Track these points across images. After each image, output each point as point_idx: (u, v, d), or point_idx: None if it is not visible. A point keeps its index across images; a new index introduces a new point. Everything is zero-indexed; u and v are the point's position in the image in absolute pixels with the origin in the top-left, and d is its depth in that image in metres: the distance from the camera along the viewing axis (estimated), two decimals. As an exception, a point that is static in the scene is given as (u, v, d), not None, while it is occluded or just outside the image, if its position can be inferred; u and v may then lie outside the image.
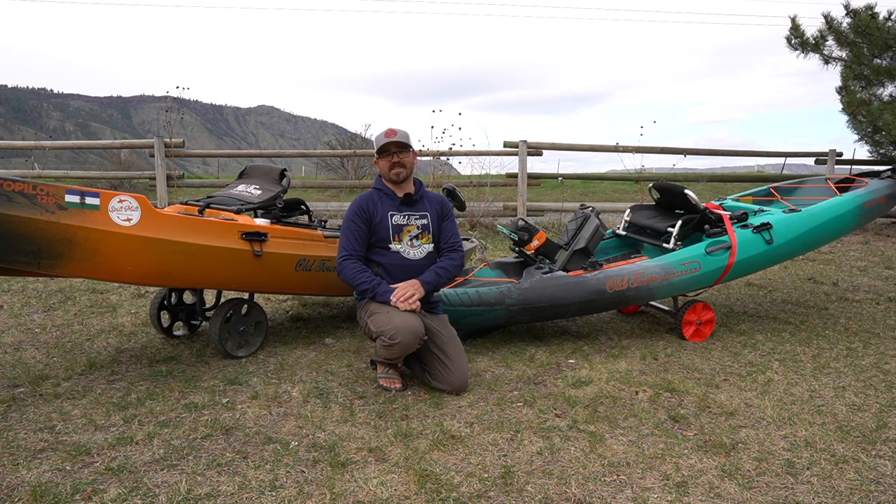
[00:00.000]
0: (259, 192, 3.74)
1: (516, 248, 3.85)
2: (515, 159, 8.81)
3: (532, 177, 8.91)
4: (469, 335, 3.79)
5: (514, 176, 8.86)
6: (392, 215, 3.14)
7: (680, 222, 3.97)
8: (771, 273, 5.81)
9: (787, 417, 2.74)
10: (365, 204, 3.14)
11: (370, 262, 3.16)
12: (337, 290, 3.91)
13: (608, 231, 4.33)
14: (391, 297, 2.98)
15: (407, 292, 2.98)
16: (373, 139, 3.25)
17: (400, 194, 3.18)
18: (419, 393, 2.99)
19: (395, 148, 3.14)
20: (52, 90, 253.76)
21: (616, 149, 9.29)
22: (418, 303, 3.00)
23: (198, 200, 3.63)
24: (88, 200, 2.75)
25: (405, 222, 3.16)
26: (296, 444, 2.46)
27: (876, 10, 8.32)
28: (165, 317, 3.93)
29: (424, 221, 3.20)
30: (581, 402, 2.88)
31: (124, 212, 2.86)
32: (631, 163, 9.52)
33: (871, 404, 2.91)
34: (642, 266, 3.70)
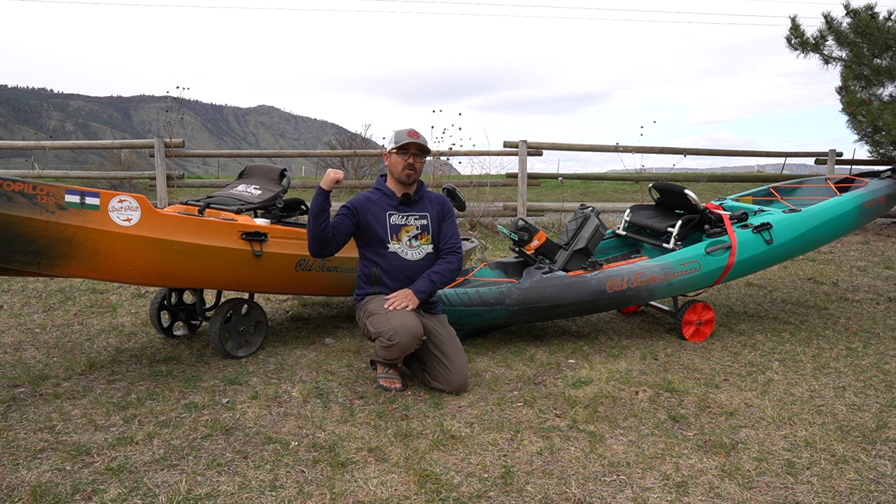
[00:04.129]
0: (259, 192, 3.74)
1: (516, 248, 3.85)
2: (515, 159, 8.81)
3: (532, 177, 8.91)
4: (469, 335, 3.79)
5: (514, 176, 8.87)
6: (390, 215, 3.13)
7: (680, 222, 3.97)
8: (771, 273, 5.81)
9: (787, 417, 2.74)
10: (359, 203, 3.15)
11: (367, 262, 3.15)
12: (337, 290, 3.91)
13: (608, 231, 4.33)
14: (385, 304, 2.97)
15: (401, 304, 2.97)
16: (383, 136, 3.26)
17: (399, 194, 3.18)
18: (419, 393, 2.99)
19: (415, 150, 3.12)
20: (52, 90, 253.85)
21: (616, 149, 9.29)
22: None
23: (198, 200, 3.63)
24: (88, 200, 2.75)
25: (403, 222, 3.15)
26: (296, 444, 2.46)
27: (876, 10, 8.31)
28: (165, 317, 3.93)
29: (424, 222, 3.19)
30: (581, 402, 2.88)
31: (124, 212, 2.86)
32: (631, 163, 9.53)
33: (871, 404, 2.91)
34: (642, 266, 3.70)
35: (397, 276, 3.10)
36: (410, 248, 3.14)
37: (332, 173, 3.06)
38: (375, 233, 3.11)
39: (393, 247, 3.12)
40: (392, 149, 3.15)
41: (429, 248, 3.19)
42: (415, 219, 3.17)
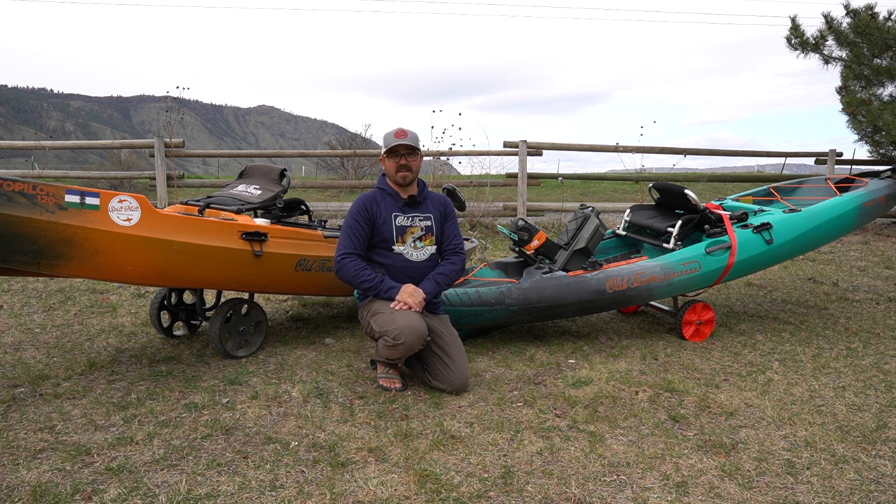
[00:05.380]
0: (259, 192, 3.74)
1: (516, 248, 3.85)
2: (515, 159, 8.81)
3: (532, 177, 8.91)
4: (469, 335, 3.79)
5: (514, 176, 8.87)
6: (396, 216, 3.13)
7: (680, 222, 3.97)
8: (771, 273, 5.81)
9: (787, 417, 2.74)
10: (368, 203, 3.12)
11: (372, 263, 3.14)
12: (337, 290, 3.91)
13: (608, 231, 4.33)
14: (391, 305, 2.97)
15: (407, 305, 2.97)
16: (381, 136, 3.24)
17: (404, 195, 3.16)
18: (419, 393, 2.99)
19: (405, 150, 3.11)
20: (52, 90, 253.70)
21: (616, 149, 9.29)
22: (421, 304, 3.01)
23: (198, 200, 3.63)
24: (88, 200, 2.75)
25: (409, 224, 3.15)
26: (296, 444, 2.46)
27: (876, 10, 8.31)
28: (165, 317, 3.93)
29: (428, 223, 3.19)
30: (581, 402, 2.88)
31: (124, 212, 2.86)
32: (631, 163, 9.53)
33: (871, 404, 2.91)
34: (642, 266, 3.70)
35: (402, 278, 3.10)
36: (415, 249, 3.14)
37: (413, 304, 2.96)
38: (382, 234, 3.10)
39: (398, 248, 3.11)
40: (383, 154, 3.15)
41: (432, 249, 3.19)
42: (419, 220, 3.17)
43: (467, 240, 4.97)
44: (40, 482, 2.15)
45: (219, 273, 3.26)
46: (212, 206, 3.58)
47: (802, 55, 9.10)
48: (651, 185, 4.43)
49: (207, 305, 3.84)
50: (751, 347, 3.73)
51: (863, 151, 10.07)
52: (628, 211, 4.51)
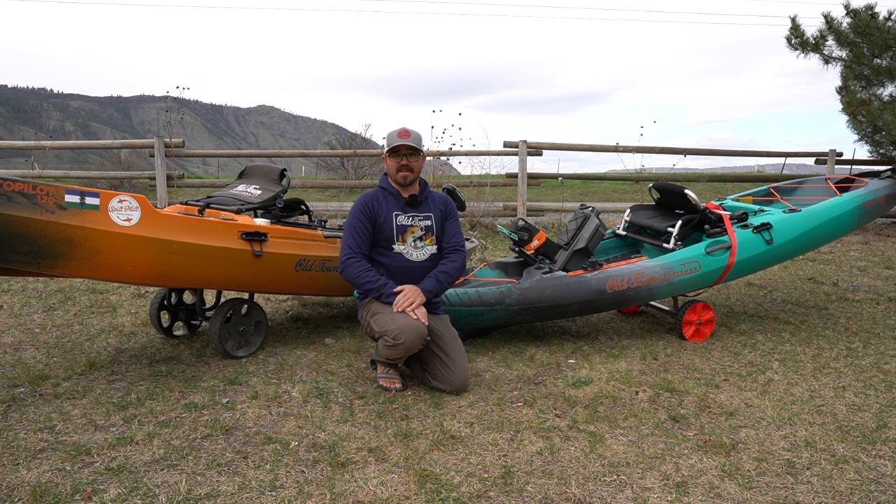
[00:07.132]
0: (259, 192, 3.75)
1: (516, 248, 3.85)
2: (515, 159, 8.81)
3: (532, 177, 8.91)
4: (469, 335, 3.79)
5: (514, 176, 8.87)
6: (397, 216, 3.13)
7: (680, 222, 3.97)
8: (771, 273, 5.81)
9: (787, 417, 2.74)
10: (370, 202, 3.12)
11: (372, 263, 3.14)
12: (337, 290, 3.91)
13: (608, 231, 4.33)
14: (393, 308, 2.97)
15: (408, 304, 2.94)
16: (381, 136, 3.25)
17: (405, 195, 3.16)
18: (419, 393, 2.99)
19: (406, 150, 3.11)
20: (52, 90, 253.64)
21: (616, 149, 9.29)
22: (423, 309, 2.98)
23: (198, 200, 3.63)
24: (88, 200, 2.75)
25: (409, 223, 3.15)
26: (296, 444, 2.46)
27: (876, 10, 8.31)
28: (165, 317, 3.93)
29: (428, 223, 3.19)
30: (581, 402, 2.88)
31: (124, 212, 2.86)
32: (631, 163, 9.53)
33: (871, 404, 2.91)
34: (642, 266, 3.70)
35: (401, 277, 3.09)
36: (415, 249, 3.14)
37: (413, 308, 2.91)
38: (383, 233, 3.10)
39: (398, 248, 3.11)
40: (385, 153, 3.15)
41: (433, 249, 3.19)
42: (420, 220, 3.17)
43: (467, 240, 4.97)
44: (40, 482, 2.15)
45: (219, 273, 3.26)
46: (212, 206, 3.58)
47: (802, 55, 9.09)
48: (651, 185, 4.43)
49: (207, 305, 3.84)
50: (751, 347, 3.73)
51: (863, 151, 10.07)
52: (628, 211, 4.51)
